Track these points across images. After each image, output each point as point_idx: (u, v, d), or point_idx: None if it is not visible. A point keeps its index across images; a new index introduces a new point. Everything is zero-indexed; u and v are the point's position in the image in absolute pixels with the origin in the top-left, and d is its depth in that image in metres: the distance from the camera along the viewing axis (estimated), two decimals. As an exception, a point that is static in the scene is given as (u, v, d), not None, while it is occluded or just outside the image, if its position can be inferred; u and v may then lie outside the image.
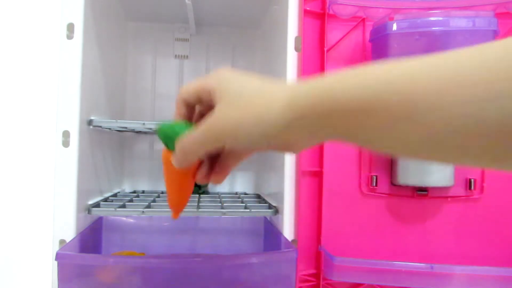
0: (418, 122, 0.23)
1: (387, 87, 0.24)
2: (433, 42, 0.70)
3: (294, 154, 0.33)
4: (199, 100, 0.35)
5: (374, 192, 0.81)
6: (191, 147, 0.33)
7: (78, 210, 0.59)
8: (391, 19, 0.72)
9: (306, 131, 0.29)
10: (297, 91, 0.28)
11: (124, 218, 0.81)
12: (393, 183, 0.81)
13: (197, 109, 0.37)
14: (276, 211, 0.69)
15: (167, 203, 0.41)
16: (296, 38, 0.65)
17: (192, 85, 0.35)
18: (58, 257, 0.49)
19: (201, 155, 0.35)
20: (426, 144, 0.23)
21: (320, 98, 0.27)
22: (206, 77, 0.34)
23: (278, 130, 0.29)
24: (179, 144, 0.34)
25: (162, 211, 0.66)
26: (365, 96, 0.24)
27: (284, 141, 0.30)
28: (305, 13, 0.79)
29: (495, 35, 0.69)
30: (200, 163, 0.37)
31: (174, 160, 0.35)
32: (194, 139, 0.32)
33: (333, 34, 0.81)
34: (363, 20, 0.82)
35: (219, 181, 0.38)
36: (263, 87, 0.31)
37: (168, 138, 0.35)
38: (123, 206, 0.69)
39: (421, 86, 0.22)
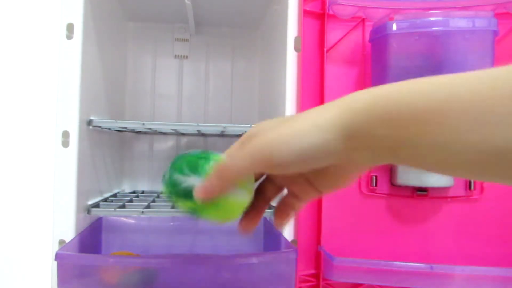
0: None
1: (460, 88, 0.21)
2: (433, 42, 0.70)
3: (350, 181, 0.28)
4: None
5: (374, 192, 0.81)
6: (230, 171, 0.28)
7: (78, 210, 0.59)
8: (391, 19, 0.72)
9: (364, 142, 0.25)
10: (349, 99, 0.26)
11: (124, 219, 0.81)
12: (393, 183, 0.81)
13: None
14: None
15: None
16: (296, 38, 0.65)
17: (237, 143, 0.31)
18: (58, 257, 0.49)
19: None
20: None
21: (381, 100, 0.24)
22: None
23: (331, 138, 0.25)
24: (215, 168, 0.29)
25: (162, 212, 0.66)
26: (439, 97, 0.21)
27: (340, 157, 0.26)
28: (305, 13, 0.79)
29: (494, 35, 0.69)
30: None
31: (202, 188, 0.30)
32: (236, 160, 0.28)
33: (333, 35, 0.81)
34: (363, 20, 0.82)
35: (279, 224, 0.35)
36: (308, 111, 0.27)
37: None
38: (123, 206, 0.69)
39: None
